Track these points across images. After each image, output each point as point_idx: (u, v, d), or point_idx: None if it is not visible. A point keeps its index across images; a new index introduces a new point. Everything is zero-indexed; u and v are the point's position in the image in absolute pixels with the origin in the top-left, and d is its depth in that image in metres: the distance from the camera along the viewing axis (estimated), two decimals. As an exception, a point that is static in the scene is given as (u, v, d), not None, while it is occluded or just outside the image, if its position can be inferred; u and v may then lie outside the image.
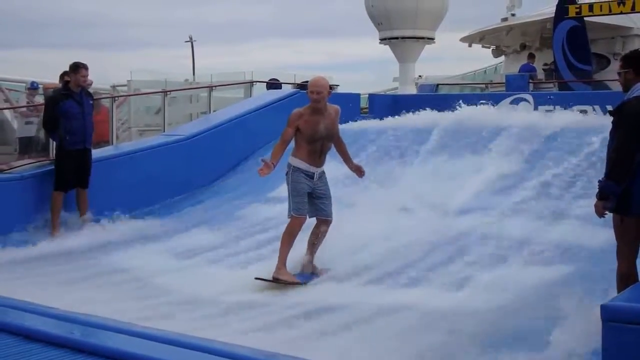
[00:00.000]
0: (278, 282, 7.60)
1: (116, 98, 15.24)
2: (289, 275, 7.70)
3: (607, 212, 5.73)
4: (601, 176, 5.76)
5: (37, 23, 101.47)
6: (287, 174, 7.99)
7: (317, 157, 7.96)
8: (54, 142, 10.74)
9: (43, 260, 9.04)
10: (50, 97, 10.89)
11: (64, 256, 9.27)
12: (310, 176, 7.93)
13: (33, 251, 9.41)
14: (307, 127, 7.86)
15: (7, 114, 14.79)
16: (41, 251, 9.45)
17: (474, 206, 9.83)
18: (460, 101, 13.30)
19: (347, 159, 8.53)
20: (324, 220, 8.10)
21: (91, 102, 10.81)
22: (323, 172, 8.10)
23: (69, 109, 10.32)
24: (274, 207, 10.80)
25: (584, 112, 13.11)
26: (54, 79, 13.91)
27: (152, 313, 6.63)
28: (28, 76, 17.50)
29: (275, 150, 7.84)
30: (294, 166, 7.94)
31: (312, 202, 8.01)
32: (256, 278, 7.64)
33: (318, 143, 7.92)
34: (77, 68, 10.43)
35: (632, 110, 5.60)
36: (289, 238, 7.80)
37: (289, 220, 7.86)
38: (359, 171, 8.62)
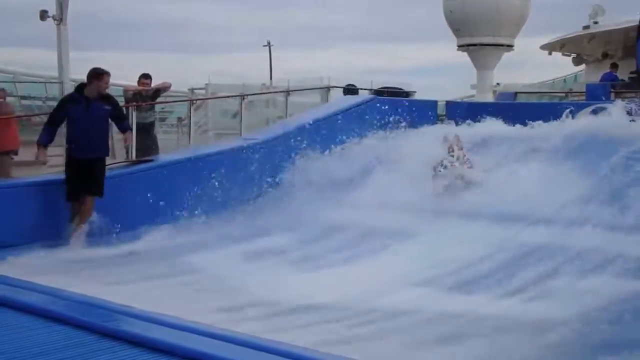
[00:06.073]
0: None
1: (194, 101, 15.45)
2: None
3: None
4: None
5: (117, 25, 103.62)
6: None
7: None
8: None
9: (115, 261, 9.15)
10: (61, 99, 10.65)
11: (142, 257, 9.39)
12: None
13: (107, 251, 9.51)
14: None
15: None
16: (116, 251, 9.55)
17: (554, 217, 9.65)
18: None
19: None
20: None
21: (107, 107, 10.13)
22: None
23: (73, 114, 9.93)
24: (351, 212, 10.88)
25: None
26: (132, 81, 14.15)
27: (226, 315, 6.67)
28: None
29: None
30: None
31: None
32: None
33: None
34: (101, 75, 9.99)
35: None
36: None
37: None
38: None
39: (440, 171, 11.86)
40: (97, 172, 10.05)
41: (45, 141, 9.96)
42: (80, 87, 10.16)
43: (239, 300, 7.27)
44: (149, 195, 10.87)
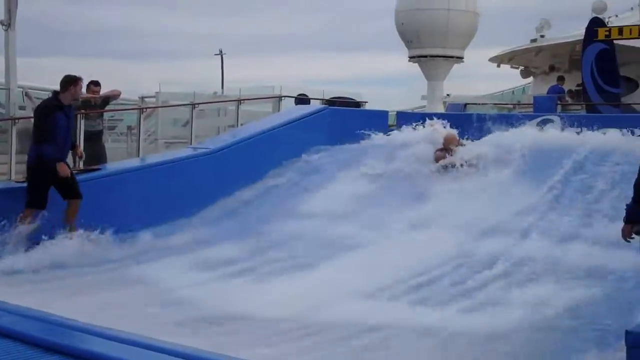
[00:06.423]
0: None
1: (144, 110, 15.30)
2: None
3: (634, 235, 5.72)
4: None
5: (66, 32, 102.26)
6: None
7: None
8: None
9: (56, 271, 8.97)
10: (46, 107, 10.04)
11: (86, 268, 9.19)
12: None
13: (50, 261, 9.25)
14: None
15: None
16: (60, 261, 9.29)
17: (502, 227, 9.77)
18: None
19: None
20: None
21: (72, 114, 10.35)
22: None
23: (59, 122, 9.73)
24: (300, 222, 10.87)
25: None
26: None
27: (175, 328, 6.62)
28: (56, 85, 17.63)
29: None
30: None
31: None
32: None
33: None
34: (77, 81, 9.97)
35: None
36: None
37: None
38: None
39: (444, 156, 12.20)
40: (72, 177, 9.95)
41: (60, 155, 9.76)
42: (56, 95, 9.97)
43: (186, 313, 7.23)
44: (95, 204, 10.68)
